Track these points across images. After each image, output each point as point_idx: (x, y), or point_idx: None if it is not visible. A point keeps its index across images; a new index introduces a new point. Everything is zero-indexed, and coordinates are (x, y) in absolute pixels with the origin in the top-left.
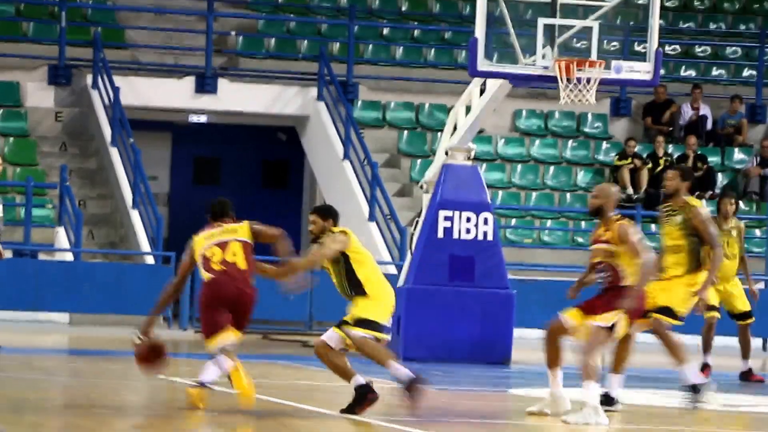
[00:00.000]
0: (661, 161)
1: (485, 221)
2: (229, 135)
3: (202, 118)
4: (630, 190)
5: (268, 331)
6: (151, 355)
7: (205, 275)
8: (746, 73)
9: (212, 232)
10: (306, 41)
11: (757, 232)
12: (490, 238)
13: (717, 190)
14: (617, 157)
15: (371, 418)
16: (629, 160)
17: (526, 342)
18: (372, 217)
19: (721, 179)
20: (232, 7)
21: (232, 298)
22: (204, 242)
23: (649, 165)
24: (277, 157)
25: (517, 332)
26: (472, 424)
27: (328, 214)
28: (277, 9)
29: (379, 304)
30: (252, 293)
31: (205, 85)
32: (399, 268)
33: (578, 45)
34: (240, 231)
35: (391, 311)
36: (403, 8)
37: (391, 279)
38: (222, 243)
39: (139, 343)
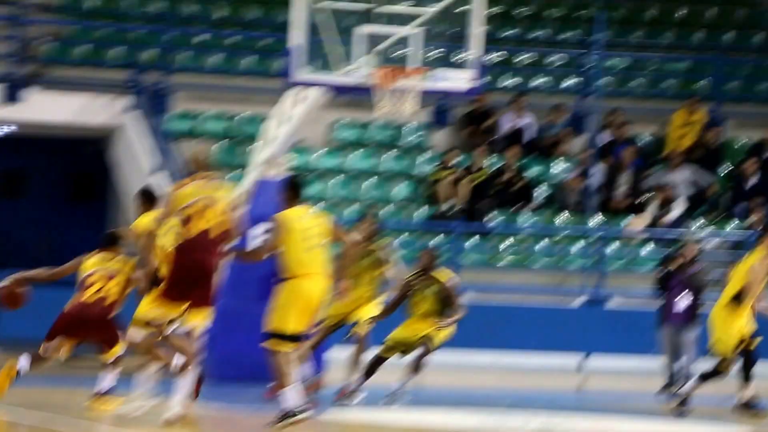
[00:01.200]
0: (481, 173)
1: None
2: (36, 146)
3: (9, 129)
4: (449, 203)
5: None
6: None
7: None
8: (569, 82)
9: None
10: (118, 49)
11: (577, 246)
12: None
13: (537, 203)
14: (437, 168)
15: None
16: (448, 172)
17: (339, 361)
18: None
19: (541, 191)
20: (41, 13)
21: None
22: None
23: (469, 177)
24: (86, 169)
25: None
26: None
27: None
28: (88, 16)
29: None
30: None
31: (13, 94)
32: None
33: (398, 53)
34: None
35: None
36: (219, 15)
37: None
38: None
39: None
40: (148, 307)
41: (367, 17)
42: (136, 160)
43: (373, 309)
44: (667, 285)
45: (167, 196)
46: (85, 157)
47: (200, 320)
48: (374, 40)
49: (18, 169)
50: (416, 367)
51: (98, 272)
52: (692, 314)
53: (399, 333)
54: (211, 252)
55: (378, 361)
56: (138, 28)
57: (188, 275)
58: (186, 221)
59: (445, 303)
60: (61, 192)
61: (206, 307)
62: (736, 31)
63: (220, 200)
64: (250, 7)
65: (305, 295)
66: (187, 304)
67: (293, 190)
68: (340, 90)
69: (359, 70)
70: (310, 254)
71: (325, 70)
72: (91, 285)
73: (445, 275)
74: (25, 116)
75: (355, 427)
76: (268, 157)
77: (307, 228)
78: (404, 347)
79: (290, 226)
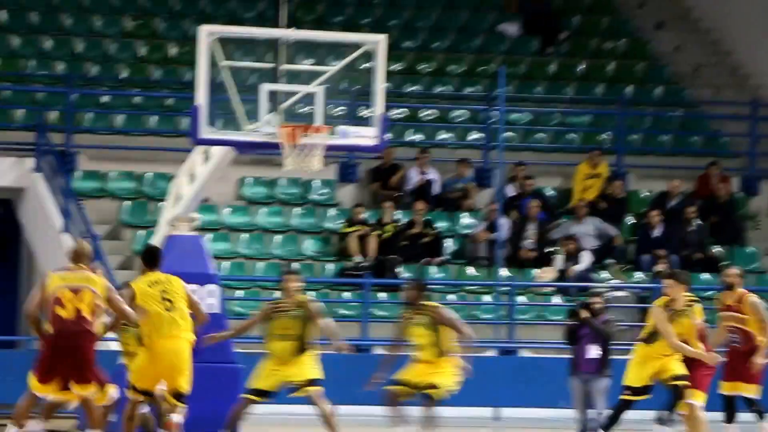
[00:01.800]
0: (389, 227)
1: (210, 293)
2: None
3: None
4: (359, 258)
5: None
6: None
7: None
8: (473, 136)
9: None
10: (22, 110)
11: (487, 298)
12: (216, 310)
13: (446, 256)
14: (345, 224)
15: None
16: (357, 226)
17: (255, 418)
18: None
19: (450, 244)
20: None
21: None
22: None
23: (378, 231)
24: None
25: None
26: None
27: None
28: None
29: None
30: None
31: None
32: None
33: (303, 111)
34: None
35: None
36: (122, 75)
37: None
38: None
39: None
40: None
41: (270, 75)
42: (45, 219)
43: (313, 366)
44: (576, 336)
45: (39, 283)
46: None
47: (88, 392)
48: (279, 97)
49: None
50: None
51: None
52: (602, 364)
53: (407, 374)
54: (77, 332)
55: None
56: (41, 90)
57: (54, 355)
58: (51, 307)
59: (439, 330)
60: None
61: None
62: (635, 85)
63: (84, 289)
64: (153, 66)
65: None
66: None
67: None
68: (246, 147)
69: (264, 128)
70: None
71: (230, 128)
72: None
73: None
74: None
75: None
76: (176, 215)
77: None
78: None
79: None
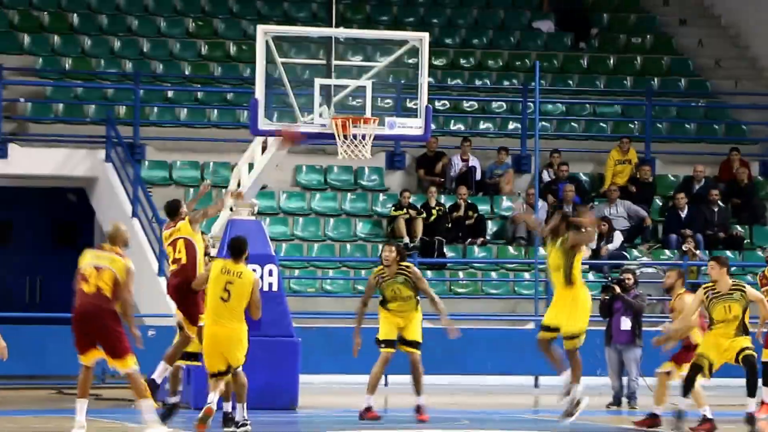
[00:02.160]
0: (434, 211)
1: (270, 273)
2: (20, 197)
3: None
4: (406, 239)
5: (62, 386)
6: None
7: None
8: (511, 126)
9: None
10: (93, 106)
11: (526, 275)
12: (275, 288)
13: (488, 237)
14: (393, 208)
15: None
16: (404, 210)
17: (312, 387)
18: (161, 272)
19: (490, 226)
20: (20, 75)
21: None
22: None
23: (423, 215)
24: (68, 217)
25: (303, 378)
26: None
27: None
28: (65, 75)
29: None
30: None
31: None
32: None
33: (353, 103)
34: None
35: None
36: (187, 72)
37: None
38: None
39: None
40: None
41: (323, 71)
42: (116, 206)
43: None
44: (610, 309)
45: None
46: (67, 205)
47: (119, 365)
48: (331, 91)
49: (3, 219)
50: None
51: None
52: (634, 335)
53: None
54: (95, 307)
55: None
56: (111, 87)
57: (76, 328)
58: (78, 282)
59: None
60: (45, 239)
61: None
62: (661, 78)
63: (105, 268)
64: (214, 64)
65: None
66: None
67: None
68: (303, 138)
69: (318, 120)
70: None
71: (287, 120)
72: None
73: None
74: (9, 170)
75: None
76: (238, 201)
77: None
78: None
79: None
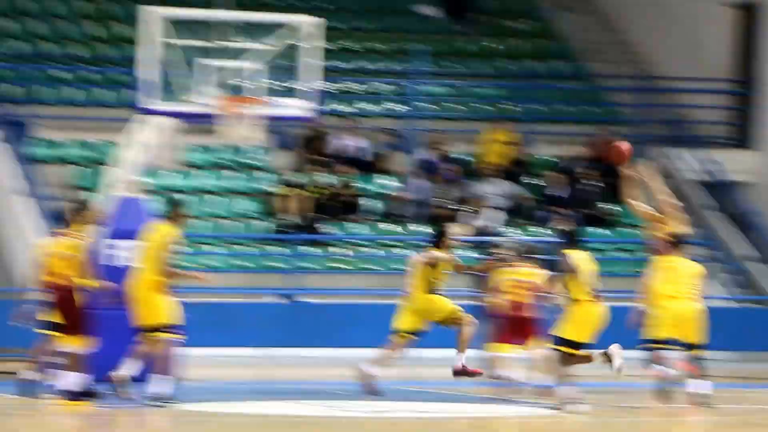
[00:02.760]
0: (317, 189)
1: None
2: None
3: None
4: (288, 217)
5: None
6: None
7: None
8: (394, 107)
9: None
10: None
11: (404, 252)
12: None
13: (368, 214)
14: (278, 186)
15: None
16: (289, 189)
17: (194, 360)
18: None
19: (371, 204)
20: None
21: None
22: None
23: (306, 193)
24: None
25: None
26: None
27: None
28: None
29: None
30: None
31: None
32: None
33: (240, 84)
34: None
35: None
36: (75, 52)
37: None
38: None
39: None
40: None
41: (211, 52)
42: (3, 182)
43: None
44: (488, 284)
45: None
46: None
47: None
48: (218, 72)
49: None
50: None
51: None
52: None
53: None
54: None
55: None
56: (2, 66)
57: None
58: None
59: None
60: None
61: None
62: (540, 61)
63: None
64: (104, 45)
65: None
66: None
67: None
68: (187, 117)
69: (205, 100)
70: None
71: (174, 100)
72: None
73: None
74: None
75: (205, 417)
76: (125, 179)
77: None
78: None
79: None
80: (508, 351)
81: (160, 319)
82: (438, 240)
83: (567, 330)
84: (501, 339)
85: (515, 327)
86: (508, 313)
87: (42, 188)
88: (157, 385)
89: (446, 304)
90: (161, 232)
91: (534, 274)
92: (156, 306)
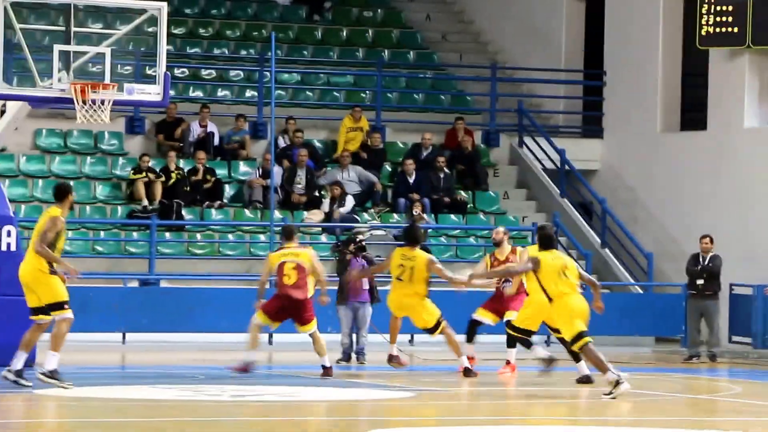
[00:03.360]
0: (173, 174)
1: (8, 233)
2: None
3: None
4: (145, 202)
5: None
6: None
7: None
8: (248, 93)
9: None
10: None
11: (262, 237)
12: (13, 248)
13: (225, 200)
14: (133, 171)
15: None
16: (144, 174)
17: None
18: None
19: (228, 190)
20: None
21: None
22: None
23: (162, 178)
24: None
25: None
26: None
27: None
28: None
29: None
30: None
31: None
32: None
33: (93, 69)
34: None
35: None
36: None
37: None
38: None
39: None
40: None
41: (63, 37)
42: None
43: None
44: (346, 268)
45: None
46: None
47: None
48: (71, 57)
49: None
50: None
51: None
52: (371, 294)
53: None
54: None
55: None
56: None
57: None
58: None
59: None
60: None
61: None
62: (391, 50)
63: None
64: None
65: None
66: None
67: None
68: (40, 102)
69: (57, 84)
70: None
71: (26, 85)
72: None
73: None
74: None
75: (67, 401)
76: None
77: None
78: None
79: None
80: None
81: (52, 298)
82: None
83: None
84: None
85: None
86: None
87: None
88: (50, 361)
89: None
90: (48, 215)
91: (301, 255)
92: (46, 286)
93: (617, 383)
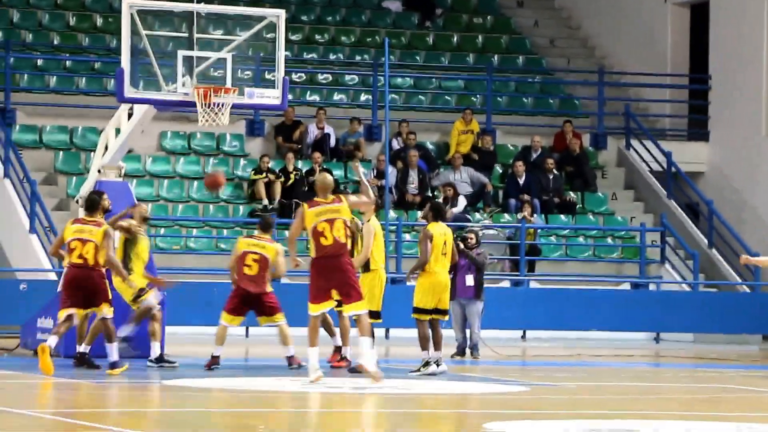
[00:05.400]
0: (292, 175)
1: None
2: None
3: None
4: (266, 201)
5: None
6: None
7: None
8: (363, 97)
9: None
10: None
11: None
12: None
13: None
14: (253, 172)
15: None
16: (264, 174)
17: (177, 337)
18: (33, 229)
19: (345, 190)
20: None
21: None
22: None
23: (282, 178)
24: None
25: (170, 329)
26: None
27: None
28: None
29: None
30: None
31: None
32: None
33: (215, 74)
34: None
35: None
36: (56, 41)
37: (53, 284)
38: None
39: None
40: None
41: (186, 43)
42: None
43: None
44: (455, 266)
45: None
46: None
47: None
48: (193, 62)
49: None
50: None
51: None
52: (477, 290)
53: None
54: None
55: None
56: None
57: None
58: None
59: None
60: None
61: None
62: (500, 55)
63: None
64: (82, 34)
65: None
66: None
67: None
68: (165, 105)
69: (181, 88)
70: None
71: (151, 89)
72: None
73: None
74: None
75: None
76: (106, 163)
77: None
78: None
79: None
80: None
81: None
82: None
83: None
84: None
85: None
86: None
87: (26, 172)
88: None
89: None
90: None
91: (267, 248)
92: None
93: (427, 363)
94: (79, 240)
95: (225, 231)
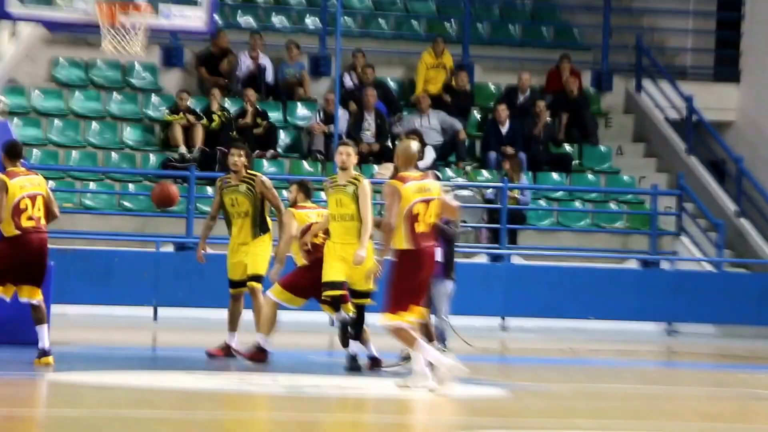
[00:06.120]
0: (217, 116)
1: None
2: None
3: None
4: (183, 149)
5: None
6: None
7: None
8: (309, 21)
9: None
10: None
11: (323, 195)
12: None
13: (279, 149)
14: (168, 111)
15: None
16: (181, 115)
17: (66, 319)
18: None
19: (283, 137)
20: None
21: None
22: None
23: (204, 121)
24: None
25: (55, 309)
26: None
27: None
28: None
29: None
30: None
31: None
32: None
33: None
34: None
35: None
36: None
37: None
38: None
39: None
40: None
41: None
42: None
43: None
44: None
45: None
46: None
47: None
48: None
49: None
50: None
51: None
52: (446, 267)
53: None
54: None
55: None
56: None
57: None
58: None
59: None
60: None
61: None
62: None
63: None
64: None
65: None
66: None
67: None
68: (59, 26)
69: (81, 5)
70: None
71: (41, 4)
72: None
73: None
74: None
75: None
76: None
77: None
78: None
79: None
80: None
81: None
82: None
83: None
84: None
85: None
86: None
87: None
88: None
89: None
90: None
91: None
92: None
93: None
94: (28, 197)
95: (131, 186)
